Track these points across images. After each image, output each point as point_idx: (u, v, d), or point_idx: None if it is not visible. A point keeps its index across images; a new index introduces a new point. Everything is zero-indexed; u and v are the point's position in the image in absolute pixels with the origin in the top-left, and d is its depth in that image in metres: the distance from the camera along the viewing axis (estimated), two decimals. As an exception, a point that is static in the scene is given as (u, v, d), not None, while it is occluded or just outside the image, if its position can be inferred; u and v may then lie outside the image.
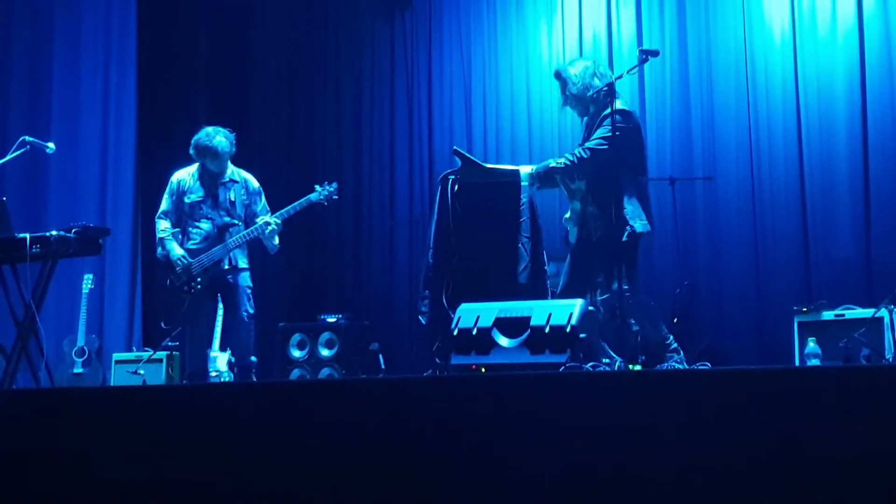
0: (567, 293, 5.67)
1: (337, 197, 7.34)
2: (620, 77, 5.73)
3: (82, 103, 8.92)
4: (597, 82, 5.68)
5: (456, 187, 5.72)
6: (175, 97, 9.05)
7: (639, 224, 5.55)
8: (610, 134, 5.53)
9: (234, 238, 6.78)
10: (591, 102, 5.74)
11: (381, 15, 10.04)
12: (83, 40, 8.95)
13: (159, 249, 6.84)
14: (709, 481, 2.98)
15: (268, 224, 6.78)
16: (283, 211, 6.95)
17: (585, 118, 5.91)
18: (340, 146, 10.07)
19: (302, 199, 7.07)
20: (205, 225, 6.82)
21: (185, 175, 6.92)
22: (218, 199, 6.88)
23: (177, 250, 6.74)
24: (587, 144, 5.65)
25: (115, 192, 8.86)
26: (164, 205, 6.89)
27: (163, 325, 6.84)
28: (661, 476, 3.02)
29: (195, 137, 6.93)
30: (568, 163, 5.67)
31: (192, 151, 6.93)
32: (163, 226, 6.83)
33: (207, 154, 6.87)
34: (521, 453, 3.19)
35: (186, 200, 6.86)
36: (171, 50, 8.97)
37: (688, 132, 8.60)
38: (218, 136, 6.91)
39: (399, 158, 9.79)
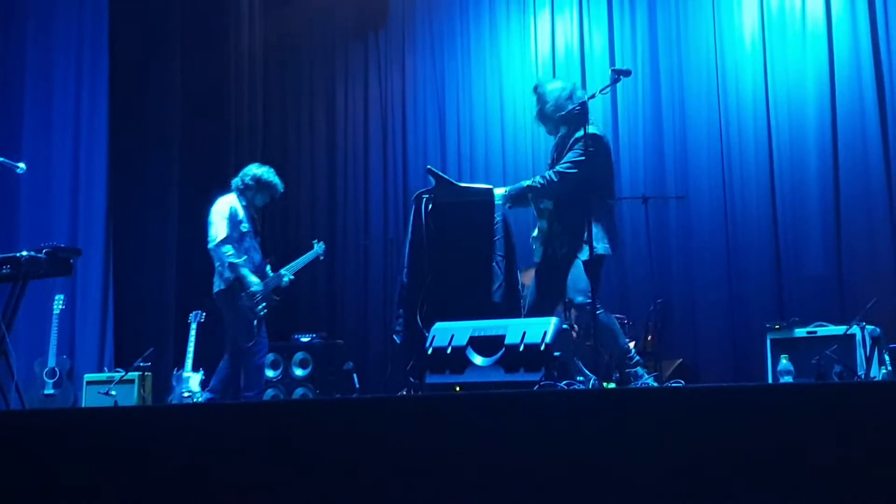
0: (535, 311, 5.68)
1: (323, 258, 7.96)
2: (593, 97, 5.74)
3: (54, 123, 8.86)
4: (570, 105, 5.70)
5: (430, 206, 5.71)
6: (148, 118, 9.00)
7: (600, 247, 5.56)
8: (580, 158, 5.55)
9: (281, 272, 7.12)
10: (562, 123, 5.76)
11: (354, 34, 10.06)
12: (55, 60, 8.89)
13: (228, 273, 6.82)
14: (683, 496, 2.98)
15: (281, 276, 7.15)
16: (293, 265, 7.36)
17: (555, 137, 5.93)
18: (314, 166, 10.07)
19: (307, 255, 7.63)
20: (255, 256, 6.95)
21: (235, 204, 6.95)
22: (256, 231, 7.04)
23: (253, 278, 6.82)
24: (557, 168, 5.66)
25: (87, 213, 8.80)
26: (227, 230, 6.85)
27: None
28: (635, 492, 3.02)
29: (256, 172, 7.01)
30: (538, 185, 5.69)
31: (250, 182, 6.98)
32: (230, 251, 6.81)
33: (269, 190, 7.03)
34: (497, 471, 3.18)
35: (242, 229, 6.91)
36: (143, 69, 8.93)
37: (660, 151, 8.66)
38: (276, 176, 7.09)
39: (373, 178, 9.80)
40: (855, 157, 7.98)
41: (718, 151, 8.44)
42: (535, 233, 5.89)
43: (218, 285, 6.91)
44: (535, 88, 5.96)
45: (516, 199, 5.88)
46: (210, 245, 6.87)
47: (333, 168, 10.00)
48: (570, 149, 5.65)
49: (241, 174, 7.06)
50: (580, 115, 5.64)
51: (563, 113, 5.70)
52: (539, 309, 5.68)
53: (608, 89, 5.96)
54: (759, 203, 8.26)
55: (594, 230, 5.48)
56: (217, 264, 6.89)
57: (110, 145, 8.80)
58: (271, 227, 9.99)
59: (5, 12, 8.71)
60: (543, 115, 5.85)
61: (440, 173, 5.96)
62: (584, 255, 5.48)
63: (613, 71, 5.79)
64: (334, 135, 10.04)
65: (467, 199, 5.79)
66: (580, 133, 5.55)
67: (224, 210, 6.88)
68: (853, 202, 7.95)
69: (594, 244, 5.47)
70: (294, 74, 10.24)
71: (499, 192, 5.84)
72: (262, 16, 10.05)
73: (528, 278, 6.27)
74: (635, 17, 8.91)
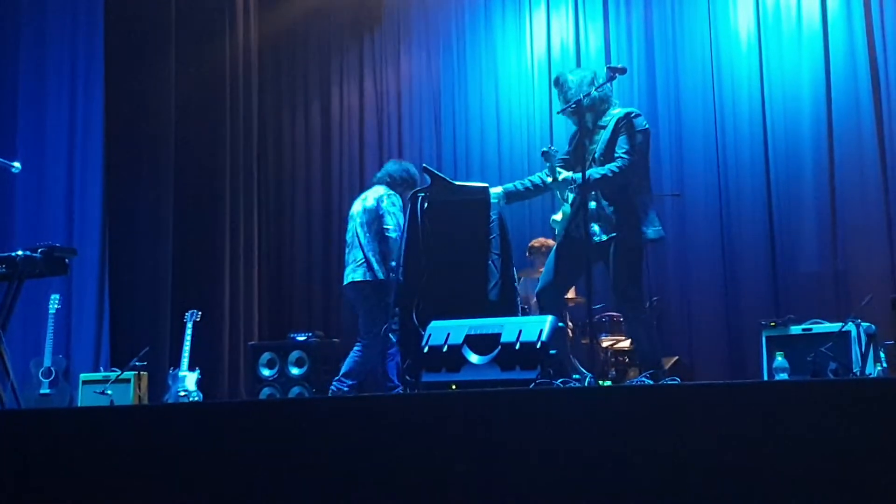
0: (544, 293, 5.69)
1: None
2: (588, 95, 5.73)
3: (48, 122, 8.85)
4: (594, 91, 5.67)
5: (426, 205, 5.71)
6: (143, 116, 8.99)
7: (651, 231, 5.60)
8: (638, 148, 5.56)
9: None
10: (586, 111, 5.71)
11: (349, 33, 10.06)
12: (49, 59, 8.88)
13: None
14: (679, 493, 2.99)
15: None
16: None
17: (576, 126, 5.86)
18: (309, 164, 10.07)
19: None
20: None
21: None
22: None
23: None
24: (618, 154, 5.56)
25: (83, 212, 8.79)
26: None
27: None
28: (632, 489, 3.03)
29: (413, 169, 7.19)
30: (608, 175, 5.51)
31: (405, 176, 7.12)
32: None
33: (412, 186, 7.01)
34: (492, 469, 3.18)
35: None
36: (138, 68, 8.92)
37: (656, 149, 8.63)
38: None
39: (369, 176, 9.75)
40: (850, 155, 7.99)
41: (714, 149, 8.45)
42: (559, 216, 5.78)
43: (376, 275, 6.92)
44: (556, 80, 5.91)
45: (514, 196, 5.88)
46: (395, 234, 6.82)
47: (329, 166, 10.00)
48: (632, 138, 5.59)
49: (394, 169, 7.16)
50: (604, 101, 5.65)
51: (589, 99, 5.64)
52: (549, 291, 5.69)
53: (604, 87, 5.96)
54: (754, 201, 8.27)
55: (642, 214, 5.51)
56: (393, 255, 6.80)
57: (105, 144, 8.80)
58: (267, 227, 10.00)
59: (-1, 10, 8.71)
60: (566, 101, 5.77)
61: (436, 172, 5.96)
62: (635, 240, 5.50)
63: (609, 69, 5.78)
64: (329, 133, 10.04)
65: (463, 197, 5.79)
66: (619, 114, 5.57)
67: (400, 204, 6.97)
68: (848, 200, 7.97)
69: (644, 228, 5.50)
70: (289, 73, 10.23)
71: (496, 190, 5.83)
72: (257, 14, 10.05)
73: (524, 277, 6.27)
74: (631, 14, 8.92)
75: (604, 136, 5.62)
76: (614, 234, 5.54)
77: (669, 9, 8.77)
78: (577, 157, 5.74)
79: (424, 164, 6.47)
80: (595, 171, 5.51)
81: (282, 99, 10.22)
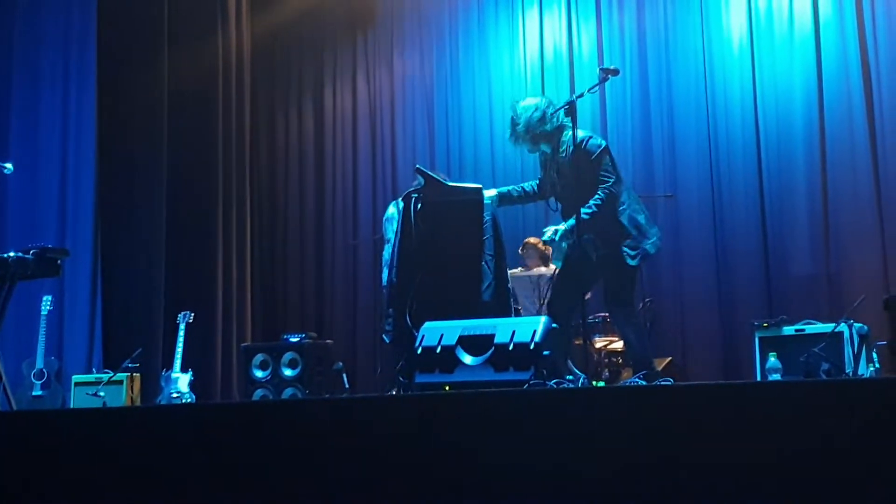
0: (556, 306, 5.76)
1: None
2: (581, 95, 5.73)
3: (41, 123, 8.84)
4: (542, 127, 5.71)
5: (419, 205, 5.71)
6: (135, 117, 8.97)
7: (648, 244, 5.69)
8: (610, 172, 5.64)
9: None
10: (542, 140, 5.79)
11: (342, 33, 10.05)
12: (42, 60, 8.87)
13: None
14: (672, 494, 2.99)
15: None
16: None
17: (538, 153, 5.95)
18: (302, 165, 10.06)
19: None
20: None
21: None
22: None
23: None
24: (602, 188, 5.62)
25: (75, 213, 8.78)
26: None
27: None
28: (625, 490, 3.03)
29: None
30: (594, 210, 5.59)
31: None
32: None
33: None
34: (486, 470, 3.18)
35: None
36: (131, 68, 8.90)
37: (648, 150, 8.68)
38: None
39: (362, 177, 9.79)
40: (842, 156, 8.00)
41: (707, 150, 8.46)
42: (551, 233, 5.81)
43: None
44: (512, 108, 5.97)
45: (507, 200, 5.92)
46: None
47: (322, 168, 9.99)
48: (599, 164, 5.65)
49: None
50: (558, 130, 5.68)
51: (538, 132, 5.72)
52: (559, 304, 5.74)
53: (596, 88, 5.97)
54: (747, 202, 8.28)
55: (634, 227, 5.58)
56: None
57: (98, 145, 8.78)
58: (259, 227, 9.98)
59: (-8, 11, 8.70)
60: (516, 136, 5.86)
61: (429, 172, 5.96)
62: (628, 255, 5.56)
63: (601, 70, 5.79)
64: (322, 134, 10.03)
65: (456, 198, 5.79)
66: (595, 143, 5.64)
67: None
68: (841, 201, 7.98)
69: (641, 243, 5.57)
70: (282, 73, 10.22)
71: (489, 193, 5.84)
72: (249, 15, 10.03)
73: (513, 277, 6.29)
74: (623, 16, 8.92)
75: (567, 167, 5.68)
76: (608, 252, 5.66)
77: (662, 10, 8.78)
78: (549, 178, 5.86)
79: (418, 165, 6.47)
80: (584, 211, 5.57)
81: (274, 99, 10.20)
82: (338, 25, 10.05)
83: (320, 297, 9.72)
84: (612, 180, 5.64)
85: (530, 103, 5.86)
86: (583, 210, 5.51)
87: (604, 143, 5.76)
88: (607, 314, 7.29)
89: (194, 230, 9.23)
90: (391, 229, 6.95)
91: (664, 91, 8.70)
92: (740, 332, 7.78)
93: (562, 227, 5.70)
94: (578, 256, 5.57)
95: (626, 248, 5.66)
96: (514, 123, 5.84)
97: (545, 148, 5.83)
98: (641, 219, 5.75)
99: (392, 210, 7.05)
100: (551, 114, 5.73)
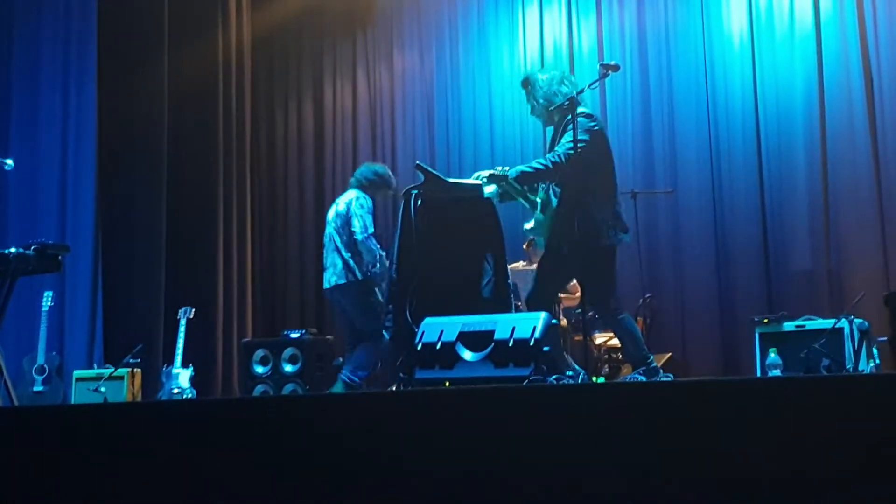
0: (532, 301, 5.68)
1: None
2: (582, 92, 5.71)
3: (41, 119, 8.83)
4: (564, 89, 5.63)
5: (419, 202, 5.71)
6: (135, 114, 8.97)
7: (611, 236, 5.52)
8: (579, 138, 5.43)
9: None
10: (555, 111, 5.66)
11: (342, 30, 10.04)
12: (42, 55, 8.87)
13: (379, 266, 7.03)
14: (672, 491, 2.99)
15: None
16: None
17: (550, 128, 5.87)
18: (302, 162, 10.07)
19: None
20: (381, 251, 7.10)
21: (367, 200, 7.21)
22: None
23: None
24: (557, 150, 5.52)
25: (76, 209, 8.77)
26: (372, 224, 7.11)
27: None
28: (625, 487, 3.03)
29: (381, 170, 7.39)
30: (541, 167, 5.51)
31: (374, 179, 7.27)
32: (377, 245, 7.06)
33: (388, 187, 7.35)
34: (486, 466, 3.18)
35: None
36: (131, 65, 8.90)
37: (649, 146, 8.68)
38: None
39: (362, 174, 9.78)
40: (843, 153, 8.01)
41: (707, 146, 8.47)
42: (532, 224, 5.81)
43: (356, 276, 7.06)
44: (525, 81, 5.89)
45: (507, 188, 5.88)
46: (360, 237, 7.03)
47: (321, 164, 9.99)
48: (565, 130, 5.54)
49: (362, 172, 7.32)
50: (570, 102, 5.58)
51: (558, 99, 5.62)
52: (536, 299, 5.68)
53: (597, 84, 5.97)
54: (747, 198, 8.28)
55: (603, 219, 5.43)
56: (366, 256, 7.06)
57: (98, 141, 8.78)
58: (260, 224, 9.99)
59: (-8, 8, 8.69)
60: (537, 105, 5.78)
61: (429, 169, 5.96)
62: (601, 243, 5.45)
63: (602, 66, 5.77)
64: (322, 131, 10.03)
65: (457, 194, 5.79)
66: (570, 116, 5.47)
67: (369, 205, 7.13)
68: (841, 197, 7.99)
69: (606, 234, 5.43)
70: (282, 71, 10.22)
71: (488, 189, 5.82)
72: (249, 12, 10.03)
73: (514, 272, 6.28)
74: (623, 11, 8.93)
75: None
76: (575, 246, 5.47)
77: (662, 6, 8.78)
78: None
79: (418, 162, 6.46)
80: (534, 163, 5.57)
81: (274, 97, 10.21)
82: (337, 23, 10.05)
83: (320, 293, 9.70)
84: (572, 151, 5.43)
85: (547, 73, 5.83)
86: (536, 161, 5.55)
87: (595, 126, 5.61)
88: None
89: (195, 226, 9.24)
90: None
91: (664, 87, 8.70)
92: (740, 328, 7.79)
93: (498, 169, 5.67)
94: (552, 247, 5.57)
95: (590, 243, 5.49)
96: (533, 94, 5.78)
97: (557, 118, 5.69)
98: (620, 210, 5.67)
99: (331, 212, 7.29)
100: (570, 80, 5.71)
